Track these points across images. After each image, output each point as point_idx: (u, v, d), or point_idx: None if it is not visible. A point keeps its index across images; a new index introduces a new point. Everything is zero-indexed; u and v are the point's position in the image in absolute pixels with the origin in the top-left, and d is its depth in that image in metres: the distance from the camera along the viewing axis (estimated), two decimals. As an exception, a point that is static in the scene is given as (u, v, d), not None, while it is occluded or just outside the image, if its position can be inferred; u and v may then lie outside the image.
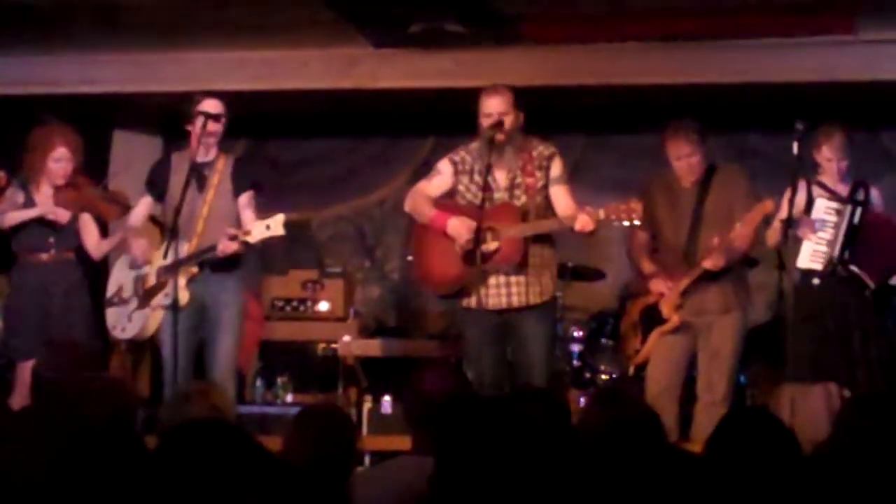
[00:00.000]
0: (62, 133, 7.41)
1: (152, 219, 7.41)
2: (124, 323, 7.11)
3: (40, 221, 7.32)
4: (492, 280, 6.60)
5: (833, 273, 6.81)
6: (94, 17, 8.18)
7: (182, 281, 6.79)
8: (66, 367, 5.29)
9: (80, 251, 7.46)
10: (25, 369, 6.90)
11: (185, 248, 6.82)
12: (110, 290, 7.22)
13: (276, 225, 6.55)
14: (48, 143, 7.34)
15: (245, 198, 6.96)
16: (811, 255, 6.85)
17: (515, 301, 6.66)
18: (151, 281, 6.94)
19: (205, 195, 6.91)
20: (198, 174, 6.90)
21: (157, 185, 7.04)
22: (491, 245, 6.56)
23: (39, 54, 8.91)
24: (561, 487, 2.97)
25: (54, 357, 5.55)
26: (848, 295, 6.84)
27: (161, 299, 6.87)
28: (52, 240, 7.33)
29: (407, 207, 6.98)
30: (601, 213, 6.36)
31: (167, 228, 6.89)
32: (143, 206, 7.17)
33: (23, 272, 7.36)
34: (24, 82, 9.05)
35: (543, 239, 6.70)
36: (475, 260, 6.51)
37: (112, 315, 7.20)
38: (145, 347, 7.00)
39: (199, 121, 6.84)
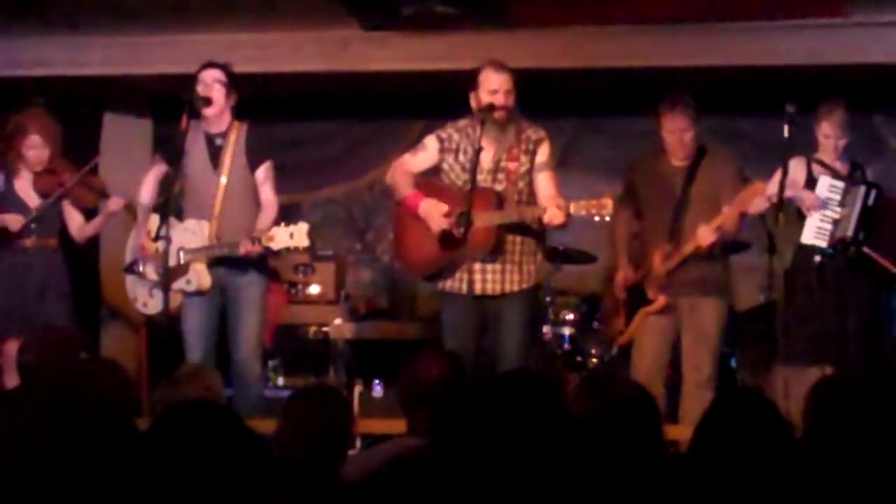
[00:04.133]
0: (36, 120, 7.42)
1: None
2: (146, 297, 6.99)
3: (19, 207, 7.34)
4: (468, 266, 6.54)
5: (843, 252, 6.81)
6: (84, -2, 8.17)
7: (203, 266, 6.75)
8: (49, 353, 5.29)
9: (65, 237, 7.47)
10: (9, 348, 6.95)
11: (204, 229, 6.75)
12: (129, 256, 7.09)
13: (299, 235, 6.36)
14: (21, 130, 7.37)
15: (263, 171, 6.84)
16: (815, 232, 6.84)
17: (490, 288, 6.62)
18: (172, 260, 6.62)
19: (219, 172, 6.80)
20: (211, 147, 6.83)
21: (174, 157, 6.77)
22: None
23: (29, 36, 8.88)
24: (554, 469, 2.98)
25: (36, 343, 5.55)
26: (849, 275, 6.85)
27: (182, 284, 6.76)
28: (32, 226, 7.34)
29: (388, 179, 6.95)
30: (572, 208, 6.33)
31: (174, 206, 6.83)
32: (152, 178, 6.99)
33: (3, 255, 7.37)
34: (14, 65, 9.02)
35: (525, 226, 6.64)
36: (453, 244, 6.51)
37: (131, 285, 7.08)
38: (163, 325, 6.90)
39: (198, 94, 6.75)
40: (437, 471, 2.57)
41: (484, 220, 6.44)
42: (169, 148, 6.92)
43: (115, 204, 7.40)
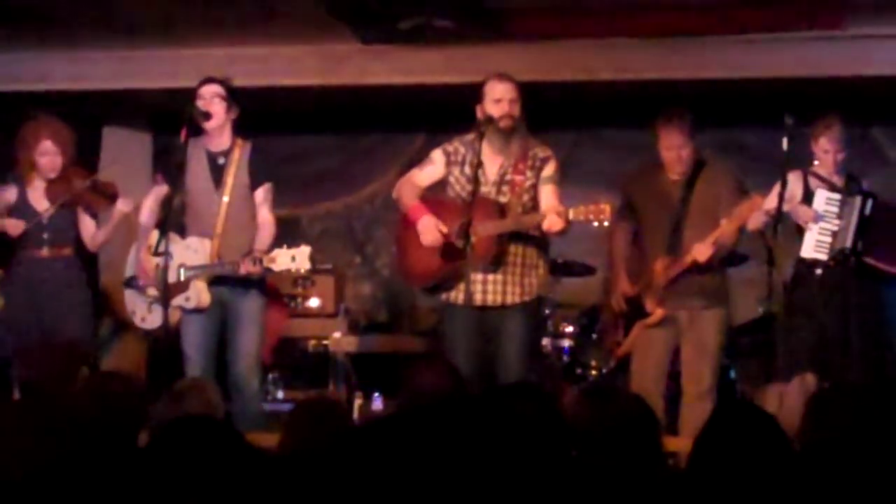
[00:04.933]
0: (49, 127, 7.40)
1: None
2: (144, 312, 6.98)
3: (30, 215, 7.33)
4: (471, 277, 6.53)
5: (842, 264, 6.81)
6: (84, 13, 8.17)
7: (203, 284, 6.74)
8: (47, 368, 5.29)
9: (80, 245, 7.46)
10: None
11: (206, 247, 6.76)
12: (129, 270, 7.08)
13: (301, 258, 6.39)
14: (35, 137, 7.35)
15: (262, 192, 6.84)
16: (815, 245, 6.85)
17: (491, 299, 6.62)
18: (172, 276, 6.64)
19: (221, 191, 6.80)
20: (213, 165, 6.83)
21: (174, 174, 6.77)
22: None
23: (29, 50, 8.90)
24: (553, 482, 2.98)
25: (34, 359, 5.55)
26: (851, 286, 6.85)
27: (181, 301, 6.75)
28: (45, 235, 7.33)
29: (395, 194, 6.95)
30: (570, 214, 6.33)
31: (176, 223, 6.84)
32: (153, 199, 6.98)
33: (18, 267, 7.37)
34: (14, 79, 9.04)
35: (528, 238, 6.65)
36: (454, 255, 6.51)
37: (131, 299, 7.07)
38: (162, 340, 6.93)
39: (198, 108, 6.74)
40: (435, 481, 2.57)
41: (482, 231, 6.44)
42: (169, 163, 6.92)
43: (125, 205, 7.36)
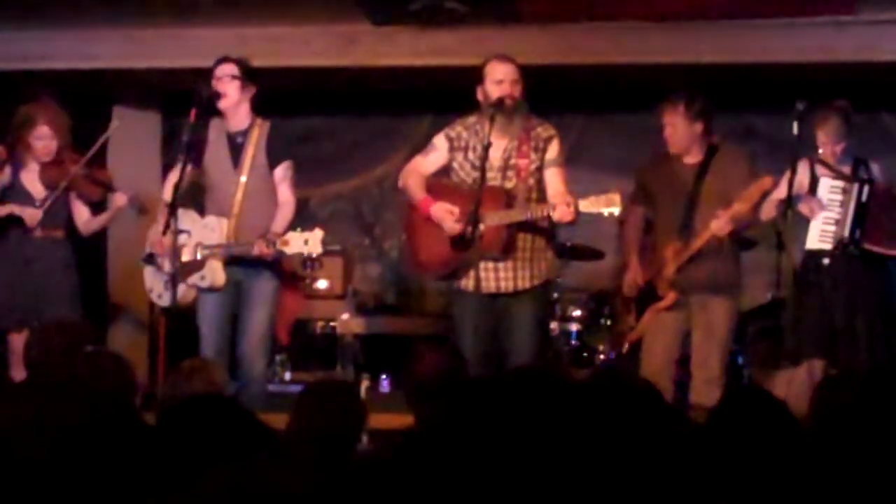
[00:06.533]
0: (45, 111, 7.42)
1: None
2: (161, 289, 6.97)
3: (24, 198, 7.34)
4: (481, 265, 6.52)
5: (844, 252, 6.81)
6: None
7: (218, 263, 6.76)
8: (55, 347, 5.29)
9: (72, 229, 7.48)
10: (14, 340, 6.98)
11: (223, 227, 6.77)
12: (148, 247, 7.07)
13: (314, 242, 6.42)
14: (30, 121, 7.37)
15: (281, 170, 6.86)
16: (820, 235, 6.86)
17: (503, 286, 6.61)
18: (188, 254, 6.73)
19: (239, 171, 6.82)
20: (232, 145, 6.84)
21: (193, 152, 6.80)
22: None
23: (39, 29, 8.89)
24: (560, 466, 2.98)
25: (42, 338, 5.55)
26: (857, 274, 6.86)
27: (196, 279, 6.77)
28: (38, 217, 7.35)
29: (400, 184, 6.94)
30: (581, 205, 6.31)
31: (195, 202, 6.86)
32: (174, 178, 6.88)
33: (8, 245, 7.38)
34: (23, 57, 9.04)
35: (535, 223, 6.63)
36: (464, 244, 6.50)
37: (150, 276, 7.06)
38: (176, 318, 6.96)
39: (213, 88, 6.77)
40: (444, 462, 2.57)
41: (494, 219, 6.44)
42: (184, 142, 6.92)
43: (120, 199, 7.39)
